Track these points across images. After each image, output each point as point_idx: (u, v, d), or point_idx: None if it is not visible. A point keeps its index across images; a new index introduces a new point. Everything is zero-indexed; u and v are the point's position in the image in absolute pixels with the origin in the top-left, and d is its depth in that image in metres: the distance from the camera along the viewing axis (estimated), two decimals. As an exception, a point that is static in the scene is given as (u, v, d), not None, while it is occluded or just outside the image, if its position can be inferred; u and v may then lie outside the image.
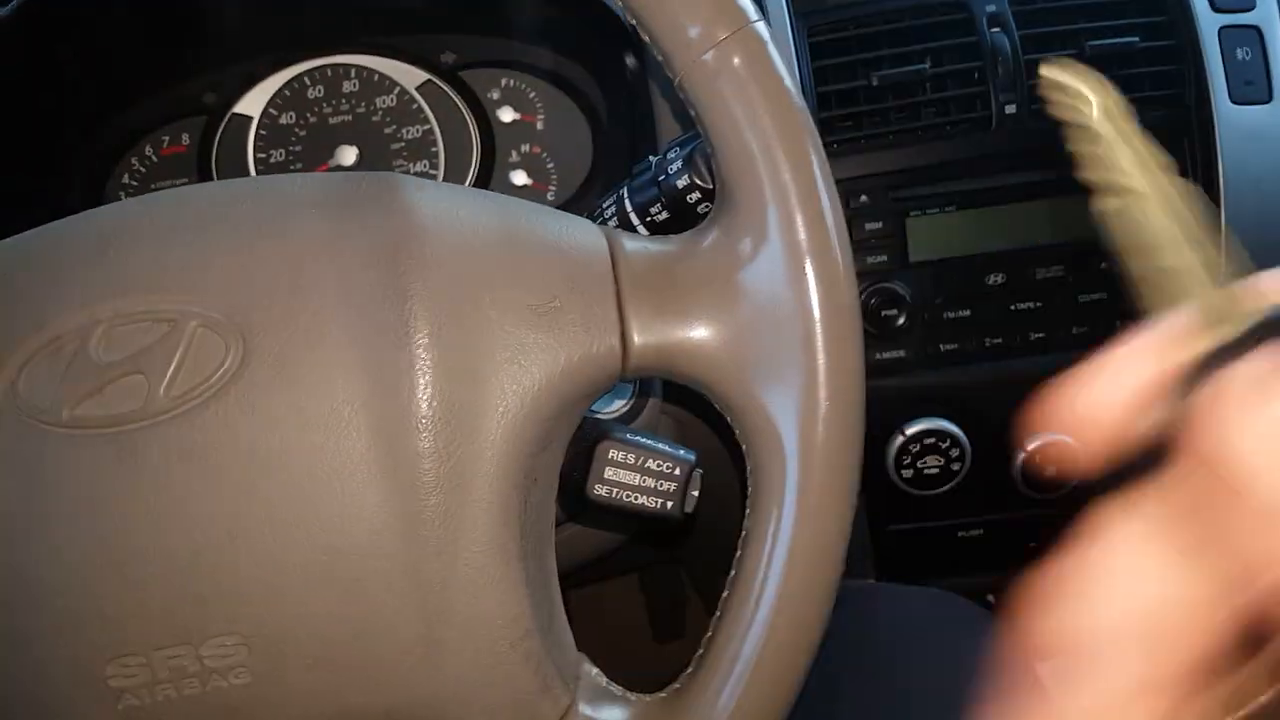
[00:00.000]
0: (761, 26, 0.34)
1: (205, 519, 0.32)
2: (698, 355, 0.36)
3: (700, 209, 0.48)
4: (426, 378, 0.33)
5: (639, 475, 0.42)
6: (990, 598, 0.79)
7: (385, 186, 0.36)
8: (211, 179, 0.75)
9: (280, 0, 0.72)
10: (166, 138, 0.76)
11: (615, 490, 0.42)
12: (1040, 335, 0.66)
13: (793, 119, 0.34)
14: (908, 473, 0.66)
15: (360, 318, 0.33)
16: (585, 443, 0.43)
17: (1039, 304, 0.65)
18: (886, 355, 0.65)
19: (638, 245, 0.37)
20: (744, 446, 0.36)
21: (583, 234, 0.37)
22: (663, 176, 0.49)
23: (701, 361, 0.36)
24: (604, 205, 0.52)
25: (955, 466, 0.66)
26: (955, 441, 0.65)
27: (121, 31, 0.69)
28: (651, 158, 0.50)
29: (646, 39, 0.36)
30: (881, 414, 0.62)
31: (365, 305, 0.33)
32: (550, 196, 0.78)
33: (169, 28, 0.70)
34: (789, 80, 0.34)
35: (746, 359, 0.35)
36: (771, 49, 0.34)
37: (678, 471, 0.42)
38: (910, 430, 0.66)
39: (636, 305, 0.36)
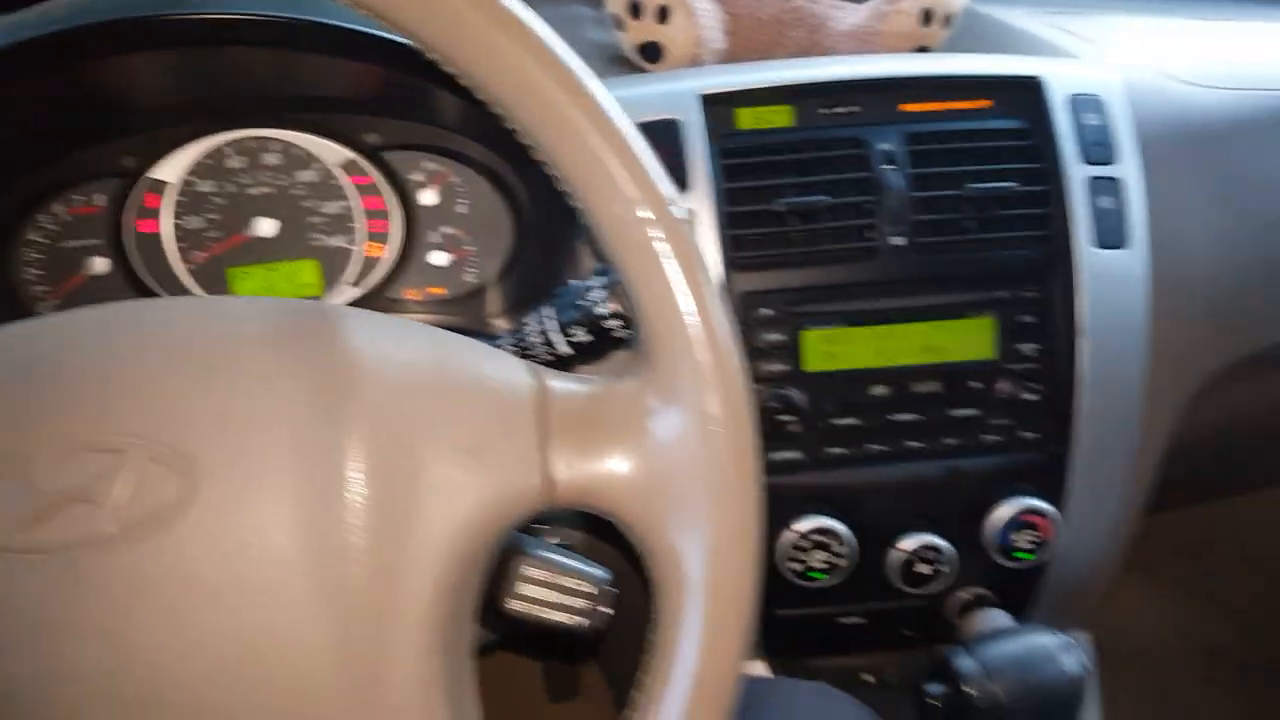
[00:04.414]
0: (678, 209, 0.37)
1: (151, 647, 0.33)
2: (611, 493, 0.39)
3: (618, 333, 0.52)
4: (360, 520, 0.35)
5: (553, 592, 0.45)
6: (868, 677, 0.84)
7: (326, 322, 0.38)
8: (121, 243, 0.75)
9: (207, 75, 0.73)
10: (78, 198, 0.75)
11: (529, 605, 0.45)
12: (918, 444, 0.71)
13: (708, 305, 0.37)
14: (797, 566, 0.71)
15: (301, 459, 0.35)
16: (499, 556, 0.45)
17: (917, 416, 0.71)
18: (780, 456, 0.70)
19: (562, 385, 0.40)
20: (651, 574, 0.40)
21: (512, 373, 0.40)
22: (585, 301, 0.52)
23: (614, 498, 0.39)
24: (526, 322, 0.55)
25: (841, 562, 0.71)
26: (841, 539, 0.70)
27: (38, 100, 0.68)
28: (573, 282, 0.54)
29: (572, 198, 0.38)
30: (775, 510, 0.66)
31: (305, 447, 0.35)
32: (469, 279, 0.81)
33: (91, 98, 0.70)
34: (703, 269, 0.37)
35: (655, 500, 0.38)
36: (689, 234, 0.37)
37: (591, 590, 0.45)
38: (800, 526, 0.70)
39: (558, 444, 0.39)
